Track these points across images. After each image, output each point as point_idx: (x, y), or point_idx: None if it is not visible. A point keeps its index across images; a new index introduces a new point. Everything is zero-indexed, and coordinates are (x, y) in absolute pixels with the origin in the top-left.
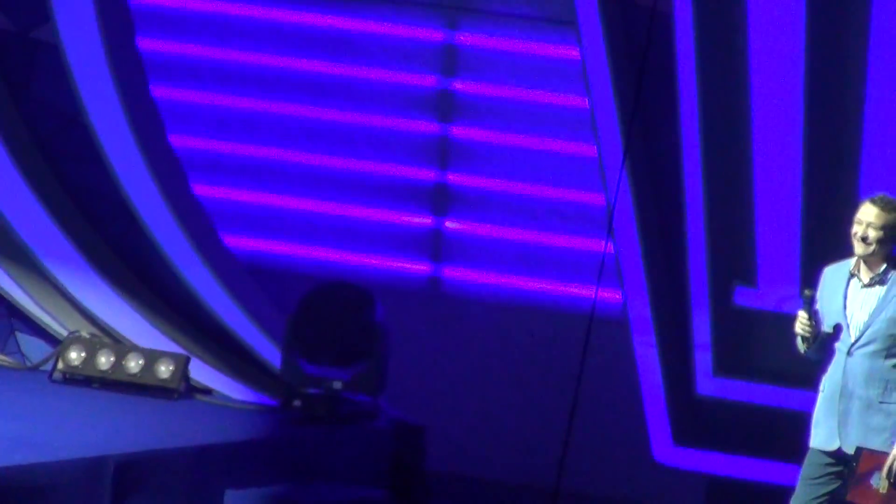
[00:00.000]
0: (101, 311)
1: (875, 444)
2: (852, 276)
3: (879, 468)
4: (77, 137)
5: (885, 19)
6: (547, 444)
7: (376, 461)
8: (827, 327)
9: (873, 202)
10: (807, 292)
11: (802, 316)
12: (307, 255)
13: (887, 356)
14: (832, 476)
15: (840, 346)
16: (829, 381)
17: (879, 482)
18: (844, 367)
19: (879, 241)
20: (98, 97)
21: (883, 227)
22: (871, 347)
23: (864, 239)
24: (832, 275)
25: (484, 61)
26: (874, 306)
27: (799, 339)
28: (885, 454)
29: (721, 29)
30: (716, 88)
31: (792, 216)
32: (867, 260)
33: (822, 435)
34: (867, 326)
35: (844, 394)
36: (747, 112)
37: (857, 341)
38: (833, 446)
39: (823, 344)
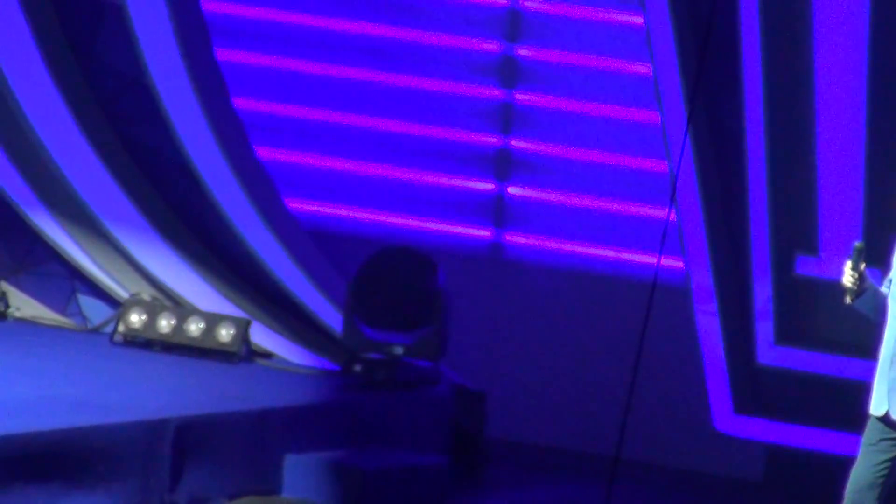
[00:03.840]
0: (163, 274)
1: None
2: None
3: None
4: (140, 99)
5: None
6: (607, 412)
7: (436, 427)
8: (887, 289)
9: None
10: (857, 244)
11: (847, 265)
12: (369, 219)
13: None
14: (891, 442)
15: None
16: (884, 349)
17: None
18: None
19: None
20: (162, 59)
21: None
22: None
23: None
24: None
25: (548, 27)
26: None
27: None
28: None
29: None
30: (780, 56)
31: (855, 185)
32: None
33: (874, 400)
34: None
35: (895, 362)
36: (811, 80)
37: None
38: (881, 411)
39: (874, 302)
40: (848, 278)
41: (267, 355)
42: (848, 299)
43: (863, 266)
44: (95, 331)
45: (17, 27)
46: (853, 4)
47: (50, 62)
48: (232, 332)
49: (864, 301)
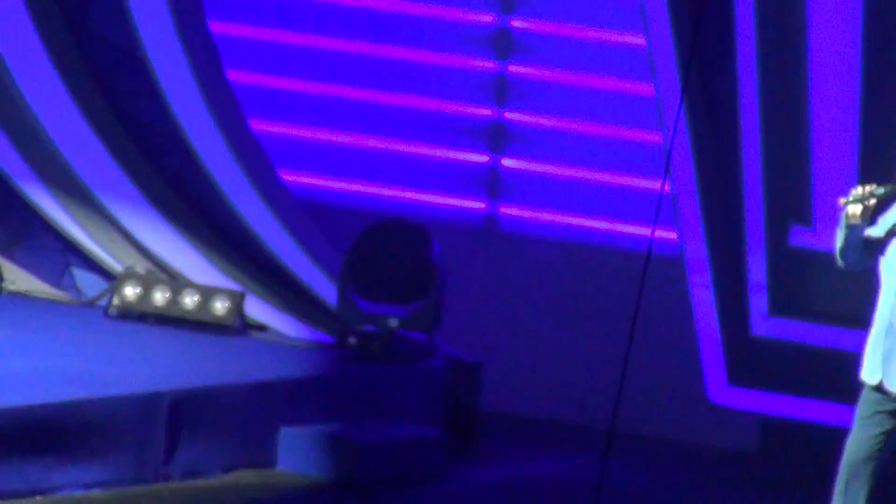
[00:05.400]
0: (157, 247)
1: None
2: None
3: None
4: (134, 72)
5: None
6: (602, 383)
7: (431, 399)
8: (877, 231)
9: None
10: (881, 189)
11: (874, 186)
12: (364, 191)
13: None
14: (885, 415)
15: (891, 283)
16: (877, 318)
17: None
18: (893, 305)
19: None
20: (156, 32)
21: None
22: None
23: None
24: None
25: None
26: None
27: (849, 206)
28: None
29: None
30: (773, 28)
31: (848, 155)
32: None
33: (868, 369)
34: None
35: (890, 332)
36: (805, 50)
37: None
38: (875, 380)
39: (859, 237)
40: (861, 191)
41: (262, 328)
42: (843, 201)
43: (874, 202)
44: (90, 304)
45: (12, 1)
46: None
47: (44, 35)
48: (227, 304)
49: (855, 229)
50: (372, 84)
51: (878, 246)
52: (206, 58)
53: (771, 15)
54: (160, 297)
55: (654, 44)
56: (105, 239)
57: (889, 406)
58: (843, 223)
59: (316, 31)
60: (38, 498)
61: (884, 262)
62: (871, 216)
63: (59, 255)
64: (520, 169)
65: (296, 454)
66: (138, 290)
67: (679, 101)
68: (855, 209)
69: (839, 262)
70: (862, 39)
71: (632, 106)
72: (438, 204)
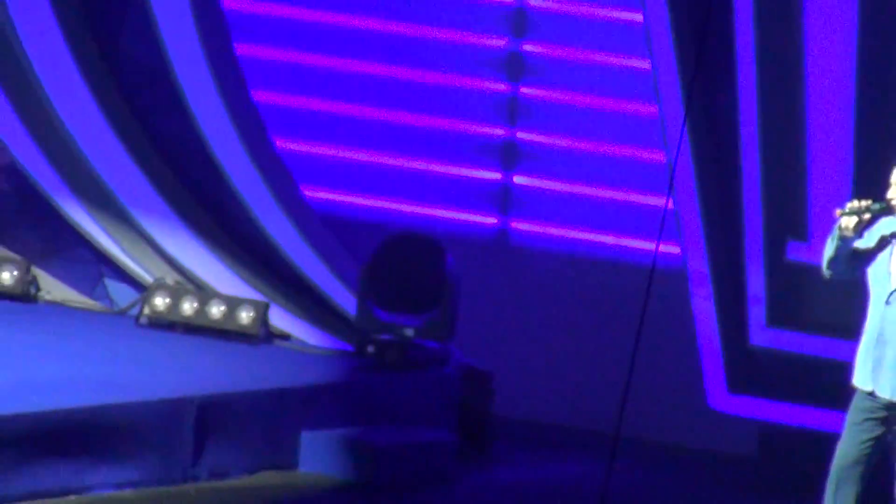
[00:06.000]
0: (186, 259)
1: None
2: None
3: None
4: (163, 90)
5: None
6: (608, 391)
7: (445, 405)
8: (864, 243)
9: None
10: (884, 204)
11: (871, 202)
12: (382, 207)
13: None
14: (875, 421)
15: (880, 293)
16: (868, 327)
17: None
18: (882, 314)
19: None
20: (184, 53)
21: None
22: None
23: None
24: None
25: (552, 24)
26: None
27: (844, 218)
28: None
29: None
30: (772, 53)
31: (843, 174)
32: None
33: (860, 376)
34: None
35: (881, 341)
36: (802, 73)
37: (895, 291)
38: (868, 387)
39: (849, 248)
40: (857, 204)
41: (285, 337)
42: (839, 212)
43: (868, 216)
44: (121, 313)
45: (47, 23)
46: (843, 2)
47: (77, 56)
48: (251, 314)
49: (846, 241)
50: (390, 104)
51: (864, 258)
52: (232, 78)
53: (770, 41)
54: (188, 307)
55: (658, 67)
56: (136, 251)
57: (879, 413)
58: (835, 234)
59: (337, 54)
60: (72, 497)
61: (872, 273)
62: (861, 230)
63: (93, 267)
64: (531, 186)
65: (316, 456)
66: (167, 300)
67: (682, 121)
68: (849, 221)
69: (825, 272)
70: (857, 60)
71: (637, 126)
72: (453, 219)
